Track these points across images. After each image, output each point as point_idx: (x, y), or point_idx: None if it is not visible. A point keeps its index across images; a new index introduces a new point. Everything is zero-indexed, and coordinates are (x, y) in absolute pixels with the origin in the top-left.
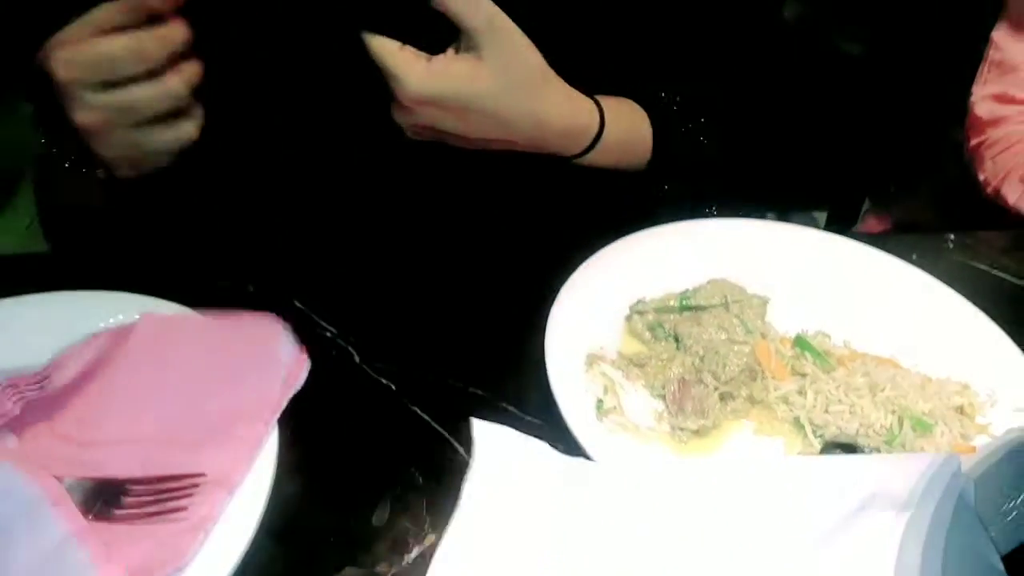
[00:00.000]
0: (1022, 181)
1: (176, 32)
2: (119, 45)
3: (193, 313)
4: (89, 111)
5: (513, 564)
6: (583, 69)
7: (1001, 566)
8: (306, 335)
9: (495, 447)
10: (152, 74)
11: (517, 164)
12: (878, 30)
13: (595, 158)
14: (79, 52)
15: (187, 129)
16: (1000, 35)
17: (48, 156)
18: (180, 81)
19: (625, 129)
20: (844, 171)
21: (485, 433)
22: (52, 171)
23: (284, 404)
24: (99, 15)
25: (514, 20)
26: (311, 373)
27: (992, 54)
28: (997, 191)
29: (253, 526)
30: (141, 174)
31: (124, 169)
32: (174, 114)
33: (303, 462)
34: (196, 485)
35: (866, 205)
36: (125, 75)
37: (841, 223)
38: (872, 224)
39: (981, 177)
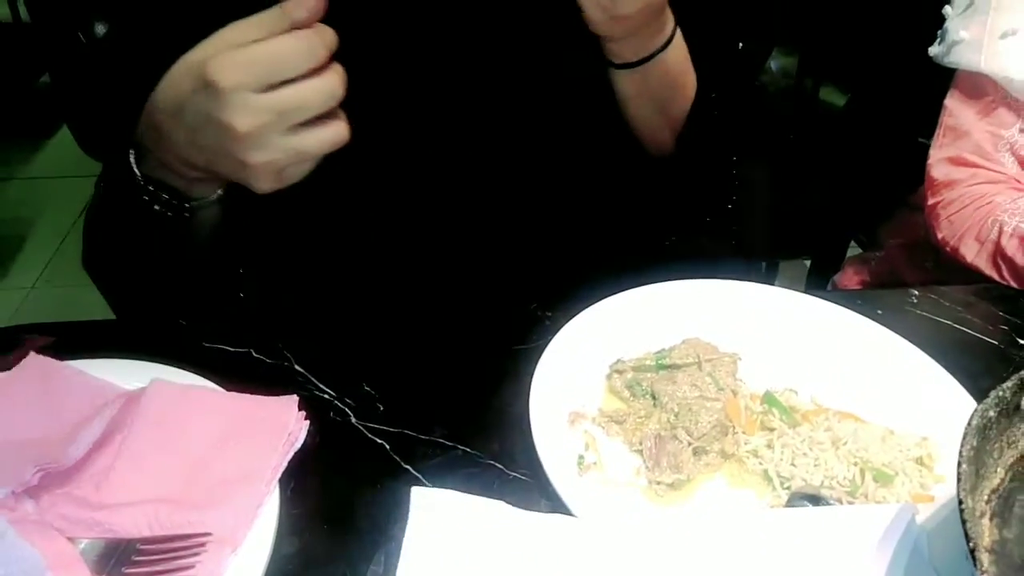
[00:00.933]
0: (977, 240)
1: (330, 31)
2: (288, 45)
3: (203, 381)
4: (252, 115)
5: None
6: None
7: None
8: (305, 396)
9: (433, 512)
10: (313, 73)
11: (513, 223)
12: (859, 85)
13: (670, 55)
14: (246, 54)
15: (339, 131)
16: (952, 102)
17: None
18: (339, 79)
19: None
20: (825, 220)
21: (423, 500)
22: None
23: (284, 464)
24: (250, 24)
25: None
26: (310, 433)
27: (946, 119)
28: (956, 250)
29: None
30: (282, 186)
31: (268, 180)
32: (325, 117)
33: (303, 519)
34: (202, 544)
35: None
36: (294, 74)
37: (824, 271)
38: (850, 275)
39: (939, 236)
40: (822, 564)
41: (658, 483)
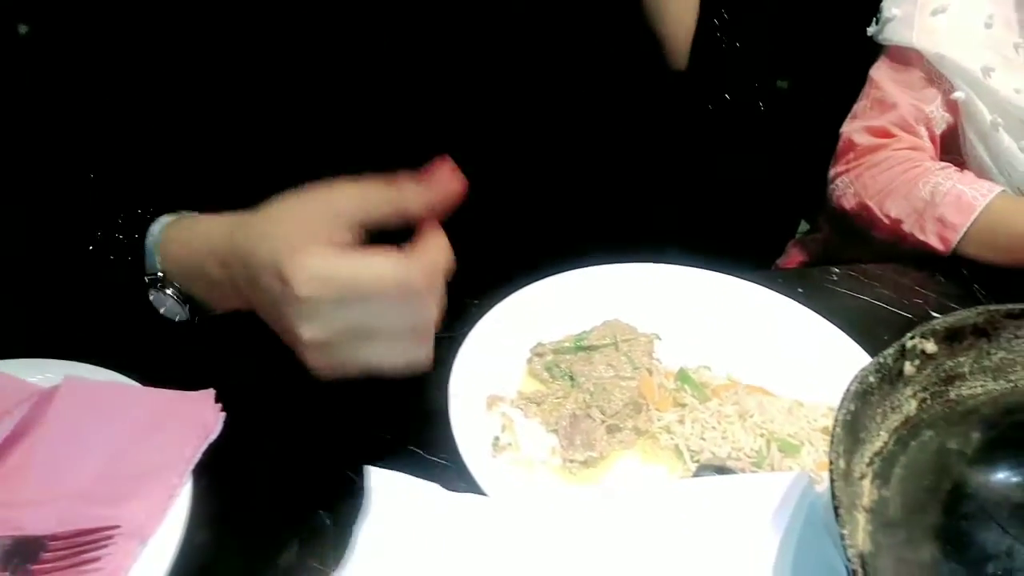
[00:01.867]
0: (905, 198)
1: (443, 255)
2: (376, 272)
3: (118, 376)
4: (320, 326)
5: None
6: None
7: (845, 573)
8: (222, 388)
9: (389, 492)
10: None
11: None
12: (800, 69)
13: None
14: (329, 267)
15: (421, 355)
16: (879, 75)
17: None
18: (436, 308)
19: None
20: (768, 204)
21: (380, 480)
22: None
23: (198, 456)
24: (345, 212)
25: None
26: (226, 424)
27: (872, 91)
28: (880, 206)
29: (165, 573)
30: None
31: (321, 367)
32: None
33: (216, 511)
34: (111, 537)
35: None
36: (383, 300)
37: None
38: (792, 256)
39: (854, 201)
40: (721, 531)
41: (571, 461)
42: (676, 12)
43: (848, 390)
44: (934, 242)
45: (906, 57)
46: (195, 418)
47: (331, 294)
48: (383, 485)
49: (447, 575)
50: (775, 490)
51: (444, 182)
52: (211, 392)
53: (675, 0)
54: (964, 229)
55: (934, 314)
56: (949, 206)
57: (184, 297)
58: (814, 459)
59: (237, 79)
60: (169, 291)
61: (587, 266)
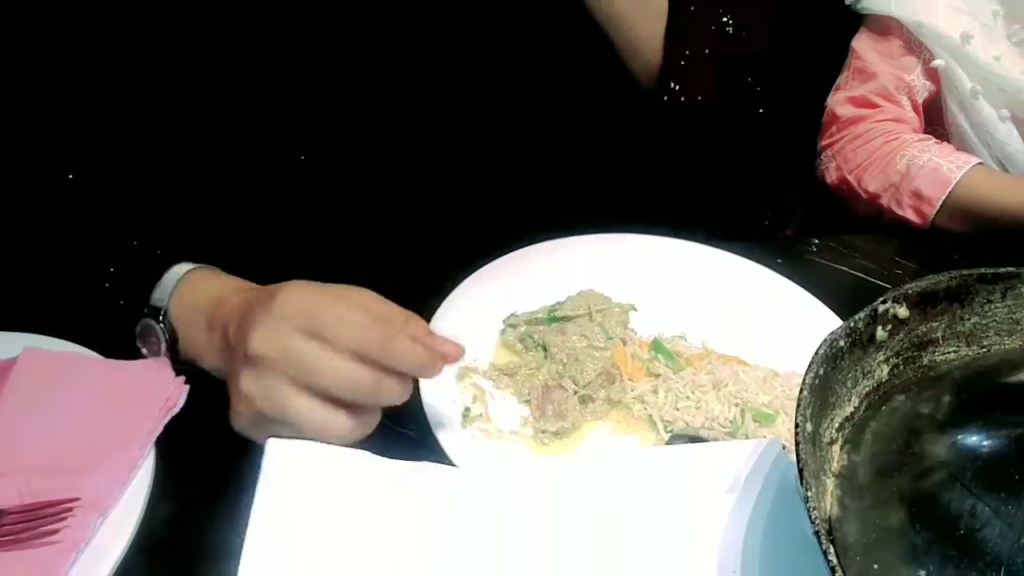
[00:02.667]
0: (883, 172)
1: (405, 388)
2: (360, 377)
3: (79, 348)
4: (269, 398)
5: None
6: None
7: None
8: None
9: (288, 462)
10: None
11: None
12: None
13: None
14: (297, 350)
15: (362, 428)
16: (859, 45)
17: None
18: (377, 414)
19: None
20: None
21: (278, 450)
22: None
23: (161, 427)
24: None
25: None
26: (190, 397)
27: (854, 62)
28: (858, 180)
29: (124, 545)
30: (250, 435)
31: (243, 417)
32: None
33: (179, 483)
34: (70, 509)
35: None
36: (341, 397)
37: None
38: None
39: (836, 175)
40: (692, 499)
41: (543, 432)
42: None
43: (817, 353)
44: (911, 216)
45: (885, 26)
46: (157, 390)
47: (295, 376)
48: (282, 455)
49: (356, 538)
50: (748, 458)
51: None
52: (166, 360)
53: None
54: (939, 202)
55: None
56: (925, 179)
57: (170, 337)
58: (789, 428)
59: (231, 82)
60: (160, 326)
61: (562, 236)
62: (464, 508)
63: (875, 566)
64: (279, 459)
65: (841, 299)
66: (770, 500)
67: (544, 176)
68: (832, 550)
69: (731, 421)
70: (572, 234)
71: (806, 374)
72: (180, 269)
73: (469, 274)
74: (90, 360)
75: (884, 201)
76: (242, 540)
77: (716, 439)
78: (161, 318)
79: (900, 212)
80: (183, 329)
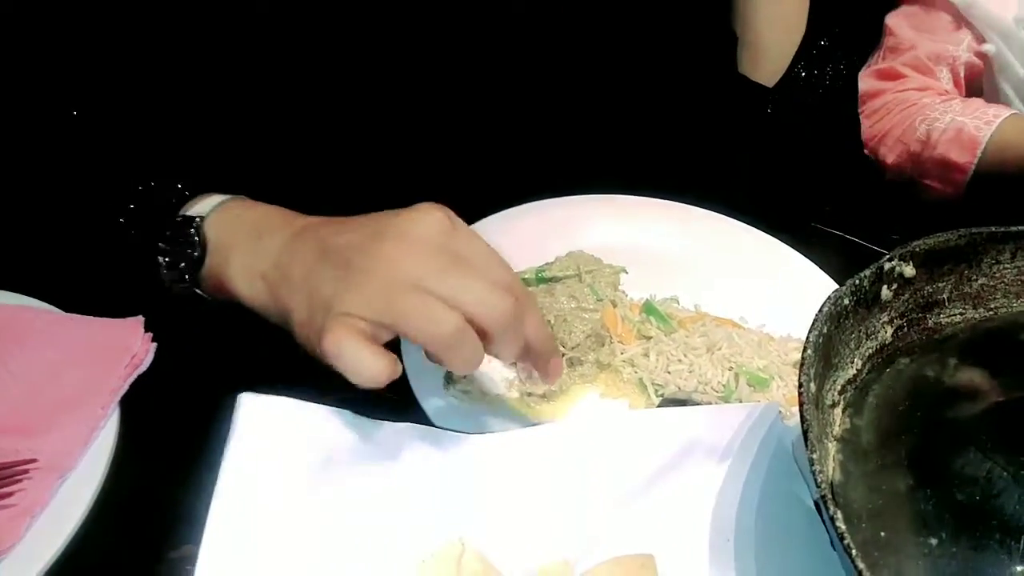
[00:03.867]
0: (901, 140)
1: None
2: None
3: (39, 303)
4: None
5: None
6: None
7: (812, 505)
8: (150, 313)
9: (262, 418)
10: None
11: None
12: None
13: None
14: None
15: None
16: (895, 22)
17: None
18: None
19: None
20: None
21: (251, 405)
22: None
23: (126, 386)
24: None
25: None
26: (157, 354)
27: (887, 40)
28: (875, 153)
29: (85, 509)
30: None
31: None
32: None
33: (144, 445)
34: (26, 471)
35: None
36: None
37: None
38: None
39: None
40: (684, 463)
41: (529, 395)
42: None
43: (821, 311)
44: (939, 186)
45: (929, 3)
46: (122, 346)
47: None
48: (254, 409)
49: (330, 500)
50: (743, 422)
51: None
52: (140, 320)
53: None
54: (972, 169)
55: None
56: (950, 144)
57: (203, 244)
58: (784, 394)
59: (237, 71)
60: (193, 231)
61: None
62: (447, 471)
63: (882, 533)
64: (252, 415)
65: (839, 264)
66: (765, 466)
67: (549, 133)
68: (839, 515)
69: (724, 385)
70: (558, 191)
71: (809, 332)
72: (218, 196)
73: None
74: (49, 314)
75: (905, 169)
76: (209, 504)
77: (708, 403)
78: (196, 225)
79: (927, 182)
80: (219, 238)
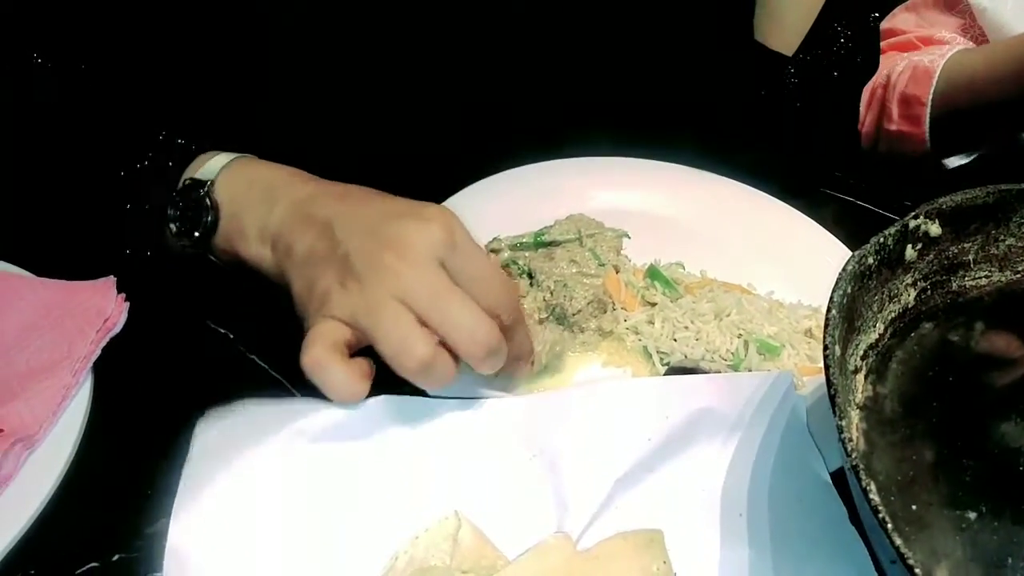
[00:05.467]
0: (868, 90)
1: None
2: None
3: (6, 266)
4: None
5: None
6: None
7: (828, 479)
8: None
9: (226, 413)
10: None
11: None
12: None
13: None
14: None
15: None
16: (901, 23)
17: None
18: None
19: None
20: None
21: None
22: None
23: (98, 351)
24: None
25: None
26: (136, 318)
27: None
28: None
29: (53, 482)
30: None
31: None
32: None
33: (118, 413)
34: None
35: None
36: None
37: None
38: None
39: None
40: (693, 433)
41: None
42: None
43: (845, 269)
44: (906, 128)
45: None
46: (93, 309)
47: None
48: (215, 428)
49: (305, 478)
50: (755, 391)
51: None
52: (112, 280)
53: None
54: (929, 98)
55: None
56: (907, 80)
57: (214, 207)
58: (795, 362)
59: (241, 48)
60: (205, 197)
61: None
62: (438, 441)
63: (913, 507)
64: (217, 414)
65: (848, 230)
66: (778, 437)
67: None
68: (873, 486)
69: (733, 353)
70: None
71: (833, 292)
72: (224, 156)
73: (449, 195)
74: (15, 276)
75: (875, 122)
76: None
77: (716, 371)
78: (207, 189)
79: (894, 128)
80: (231, 203)
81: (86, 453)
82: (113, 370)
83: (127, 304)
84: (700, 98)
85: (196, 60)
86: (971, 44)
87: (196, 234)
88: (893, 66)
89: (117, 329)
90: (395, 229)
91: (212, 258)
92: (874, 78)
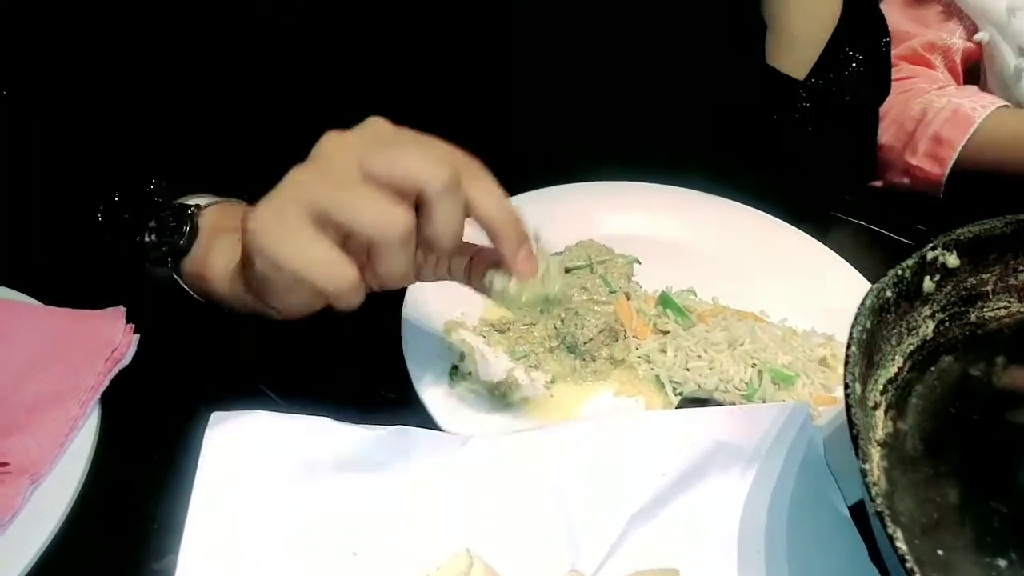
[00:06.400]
0: (895, 120)
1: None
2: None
3: (14, 294)
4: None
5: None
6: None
7: (847, 514)
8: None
9: (234, 432)
10: None
11: None
12: None
13: None
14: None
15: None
16: (888, 13)
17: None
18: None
19: None
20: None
21: (222, 425)
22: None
23: (107, 382)
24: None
25: None
26: (141, 346)
27: None
28: None
29: (60, 516)
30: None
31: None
32: None
33: (126, 446)
34: None
35: None
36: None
37: None
38: None
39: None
40: (708, 468)
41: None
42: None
43: (864, 304)
44: (926, 165)
45: None
46: (103, 339)
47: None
48: (224, 429)
49: (315, 514)
50: (770, 423)
51: None
52: (121, 310)
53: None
54: (961, 144)
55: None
56: (944, 121)
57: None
58: (810, 392)
59: (236, 71)
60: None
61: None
62: (449, 476)
63: (939, 552)
64: (224, 434)
65: (859, 254)
66: (796, 471)
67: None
68: (900, 534)
69: (747, 383)
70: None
71: (852, 327)
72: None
73: None
74: (25, 306)
75: (898, 153)
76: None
77: (731, 402)
78: (192, 212)
79: (914, 161)
80: (211, 234)
81: (91, 487)
82: (121, 401)
83: (136, 336)
84: (710, 121)
85: (194, 69)
86: (960, 28)
87: (169, 246)
88: (931, 101)
89: (126, 361)
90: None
91: (180, 282)
92: (903, 105)
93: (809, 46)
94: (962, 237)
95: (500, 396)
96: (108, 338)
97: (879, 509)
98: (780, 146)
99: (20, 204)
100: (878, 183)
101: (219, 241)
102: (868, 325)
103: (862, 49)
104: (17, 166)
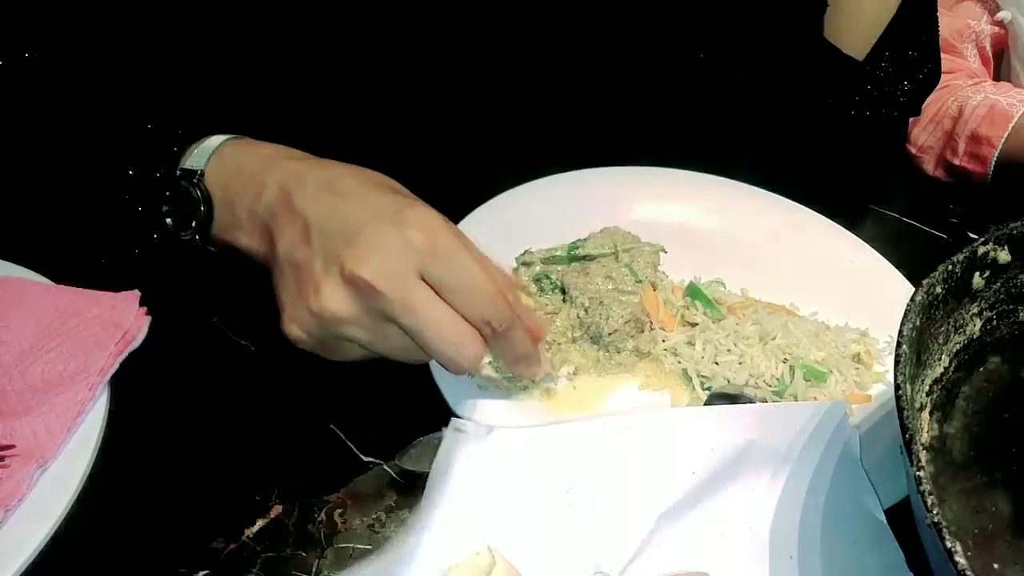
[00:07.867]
0: (932, 120)
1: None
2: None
3: (25, 272)
4: (364, 326)
5: None
6: None
7: (883, 519)
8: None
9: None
10: None
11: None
12: None
13: None
14: (428, 310)
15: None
16: None
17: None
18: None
19: None
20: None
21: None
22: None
23: (116, 364)
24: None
25: None
26: (152, 331)
27: None
28: (909, 135)
29: (68, 501)
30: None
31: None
32: None
33: (136, 430)
34: (2, 459)
35: None
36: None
37: None
38: None
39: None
40: (739, 469)
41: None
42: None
43: (914, 300)
44: (968, 164)
45: None
46: (113, 322)
47: (432, 256)
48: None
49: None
50: (805, 423)
51: None
52: (136, 293)
53: None
54: (1001, 141)
55: (971, 235)
56: (981, 119)
57: (207, 204)
58: (843, 389)
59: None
60: (196, 190)
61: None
62: (470, 469)
63: (995, 565)
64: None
65: (892, 247)
66: (830, 474)
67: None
68: (959, 548)
69: (778, 379)
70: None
71: (902, 325)
72: (215, 139)
73: (478, 205)
74: (36, 285)
75: (938, 153)
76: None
77: (761, 399)
78: (197, 179)
79: (956, 162)
80: (223, 191)
81: (100, 472)
82: (131, 384)
83: (148, 318)
84: (751, 107)
85: (200, 61)
86: (985, 15)
87: (193, 227)
88: (967, 98)
89: (137, 343)
90: (372, 237)
91: (212, 249)
92: (940, 103)
93: (873, 24)
94: (1015, 232)
95: (521, 387)
96: (119, 320)
97: (935, 520)
98: (823, 133)
99: (34, 182)
100: (919, 182)
101: (237, 198)
102: (918, 323)
103: (915, 41)
104: (32, 143)
